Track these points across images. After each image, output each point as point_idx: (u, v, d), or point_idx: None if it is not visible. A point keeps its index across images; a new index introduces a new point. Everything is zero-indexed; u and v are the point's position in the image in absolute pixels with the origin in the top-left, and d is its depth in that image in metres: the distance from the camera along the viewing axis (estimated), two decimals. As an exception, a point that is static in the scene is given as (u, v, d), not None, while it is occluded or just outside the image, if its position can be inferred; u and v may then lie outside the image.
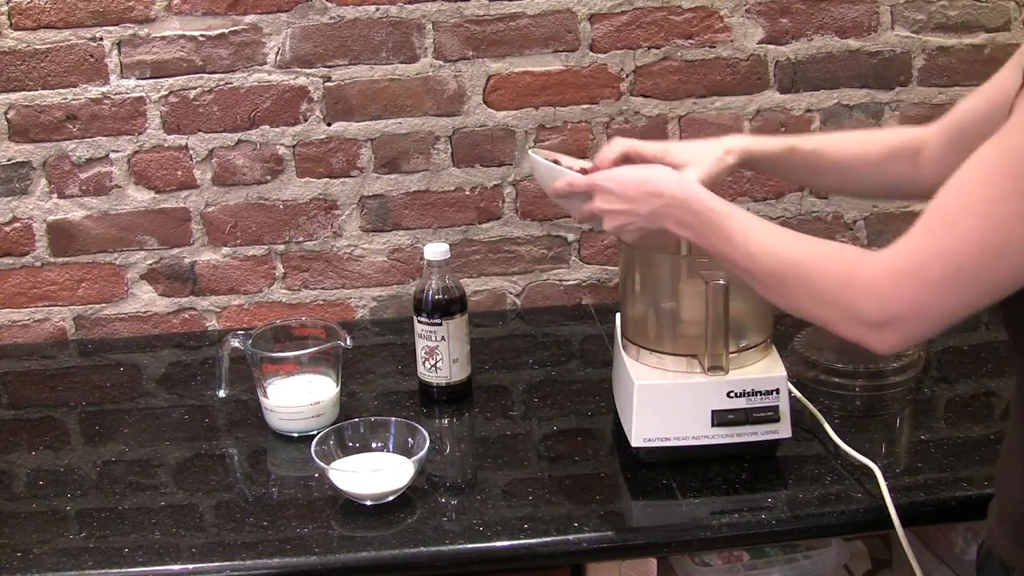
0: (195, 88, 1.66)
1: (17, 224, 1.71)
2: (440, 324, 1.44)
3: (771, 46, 1.73)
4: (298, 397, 1.41)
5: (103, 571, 1.16)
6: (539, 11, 1.67)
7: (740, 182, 1.78)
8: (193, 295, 1.77)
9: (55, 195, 1.69)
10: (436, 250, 1.45)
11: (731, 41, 1.72)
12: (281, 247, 1.76)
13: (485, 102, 1.71)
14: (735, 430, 1.27)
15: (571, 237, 1.80)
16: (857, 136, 1.32)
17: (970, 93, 1.15)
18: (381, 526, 1.21)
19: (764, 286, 1.04)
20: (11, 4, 1.59)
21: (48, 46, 1.62)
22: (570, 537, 1.19)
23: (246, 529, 1.22)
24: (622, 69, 1.72)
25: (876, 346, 0.95)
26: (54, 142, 1.67)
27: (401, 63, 1.68)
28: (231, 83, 1.66)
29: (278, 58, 1.66)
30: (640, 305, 1.37)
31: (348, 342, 1.41)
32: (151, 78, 1.65)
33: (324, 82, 1.68)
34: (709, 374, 1.26)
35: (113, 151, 1.68)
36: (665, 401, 1.27)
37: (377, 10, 1.65)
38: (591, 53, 1.70)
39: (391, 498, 1.25)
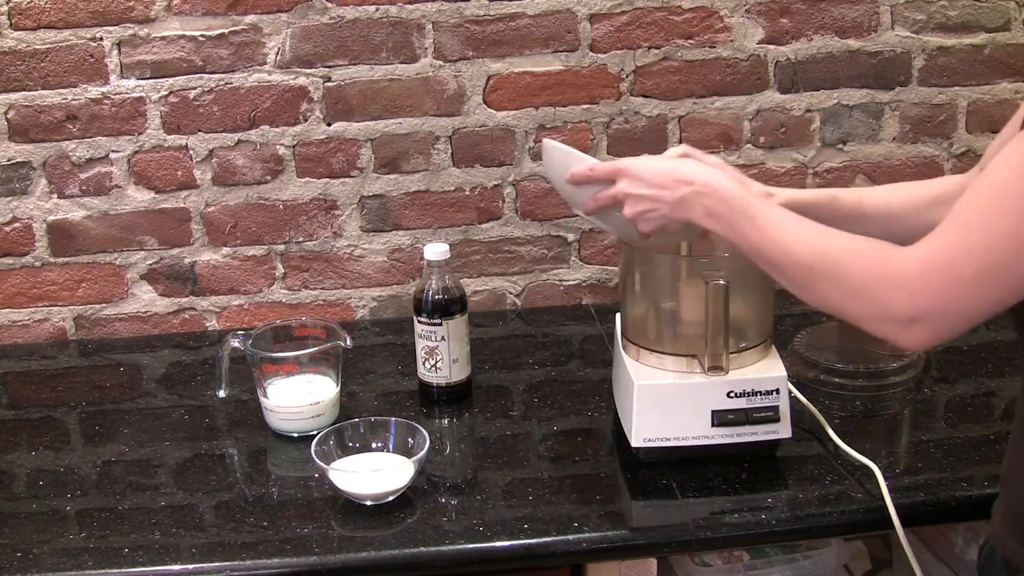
0: (195, 88, 1.66)
1: (17, 224, 1.71)
2: (440, 324, 1.44)
3: (771, 46, 1.73)
4: (298, 397, 1.41)
5: (103, 571, 1.16)
6: (539, 11, 1.67)
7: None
8: (193, 295, 1.77)
9: (55, 195, 1.69)
10: (436, 250, 1.45)
11: (731, 41, 1.72)
12: (281, 247, 1.76)
13: (485, 102, 1.71)
14: (735, 430, 1.27)
15: (571, 237, 1.80)
16: (899, 186, 1.31)
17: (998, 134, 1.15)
18: (381, 526, 1.21)
19: (791, 279, 1.03)
20: (11, 4, 1.59)
21: (48, 46, 1.62)
22: (570, 537, 1.19)
23: (246, 529, 1.22)
24: (622, 69, 1.72)
25: (904, 342, 0.94)
26: (54, 142, 1.67)
27: (401, 63, 1.68)
28: (231, 83, 1.67)
29: (278, 58, 1.66)
30: (640, 305, 1.37)
31: (348, 342, 1.41)
32: (151, 78, 1.65)
33: (324, 82, 1.68)
34: (709, 374, 1.26)
35: (113, 151, 1.68)
36: (665, 401, 1.27)
37: (377, 10, 1.65)
38: (591, 53, 1.70)
39: (391, 498, 1.25)
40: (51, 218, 1.71)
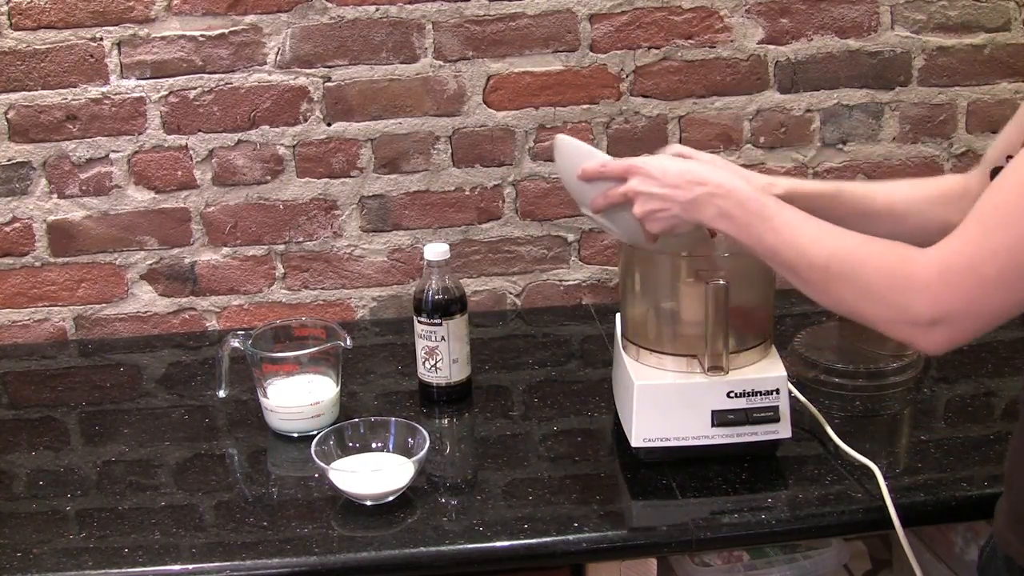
0: (195, 88, 1.66)
1: (17, 224, 1.71)
2: (440, 324, 1.44)
3: (771, 46, 1.73)
4: (298, 397, 1.41)
5: (103, 571, 1.16)
6: (539, 11, 1.67)
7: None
8: (193, 295, 1.77)
9: (55, 195, 1.69)
10: (436, 250, 1.45)
11: (731, 41, 1.72)
12: (281, 247, 1.76)
13: (485, 102, 1.71)
14: (735, 430, 1.27)
15: (571, 237, 1.80)
16: (904, 182, 1.30)
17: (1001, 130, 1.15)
18: (381, 526, 1.21)
19: (806, 281, 1.02)
20: (11, 4, 1.59)
21: (48, 46, 1.62)
22: (570, 537, 1.19)
23: (246, 529, 1.22)
24: (622, 69, 1.72)
25: (924, 345, 0.94)
26: (54, 142, 1.67)
27: (401, 63, 1.68)
28: (231, 83, 1.67)
29: (278, 58, 1.66)
30: (640, 305, 1.37)
31: (348, 342, 1.41)
32: (151, 78, 1.65)
33: (324, 82, 1.68)
34: (709, 374, 1.26)
35: (113, 151, 1.68)
36: (665, 401, 1.27)
37: (377, 10, 1.65)
38: (591, 53, 1.70)
39: (391, 498, 1.25)
40: (51, 218, 1.71)
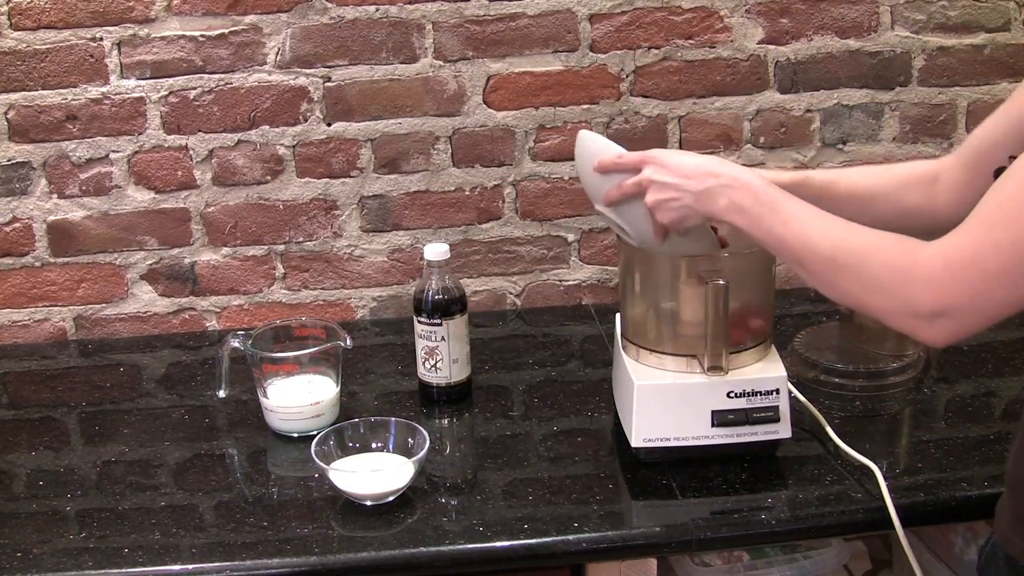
0: (195, 88, 1.66)
1: (17, 224, 1.71)
2: (440, 324, 1.44)
3: (771, 46, 1.73)
4: (298, 397, 1.41)
5: (103, 571, 1.16)
6: (539, 11, 1.67)
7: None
8: (193, 295, 1.77)
9: (55, 195, 1.69)
10: (436, 250, 1.45)
11: (731, 41, 1.72)
12: (281, 247, 1.76)
13: (485, 102, 1.71)
14: (735, 430, 1.27)
15: (571, 237, 1.80)
16: (872, 168, 1.32)
17: (986, 119, 1.15)
18: (381, 526, 1.21)
19: (813, 273, 1.03)
20: (11, 4, 1.59)
21: (48, 46, 1.62)
22: (570, 537, 1.19)
23: (246, 529, 1.22)
24: (622, 69, 1.72)
25: (927, 337, 0.95)
26: (54, 142, 1.67)
27: (401, 63, 1.68)
28: (231, 83, 1.67)
29: (278, 58, 1.66)
30: (640, 305, 1.37)
31: (348, 342, 1.41)
32: (151, 78, 1.65)
33: (324, 82, 1.68)
34: (709, 374, 1.26)
35: (113, 151, 1.68)
36: (665, 401, 1.27)
37: (377, 10, 1.65)
38: (591, 53, 1.70)
39: (391, 498, 1.25)
40: (51, 218, 1.71)
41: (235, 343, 1.42)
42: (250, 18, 1.64)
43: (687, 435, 1.28)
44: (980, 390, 1.48)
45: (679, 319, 1.31)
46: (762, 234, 1.08)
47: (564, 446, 1.39)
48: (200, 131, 1.68)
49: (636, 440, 1.28)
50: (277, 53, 1.66)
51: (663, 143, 1.75)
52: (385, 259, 1.78)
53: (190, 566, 1.16)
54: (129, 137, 1.68)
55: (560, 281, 1.83)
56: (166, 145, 1.69)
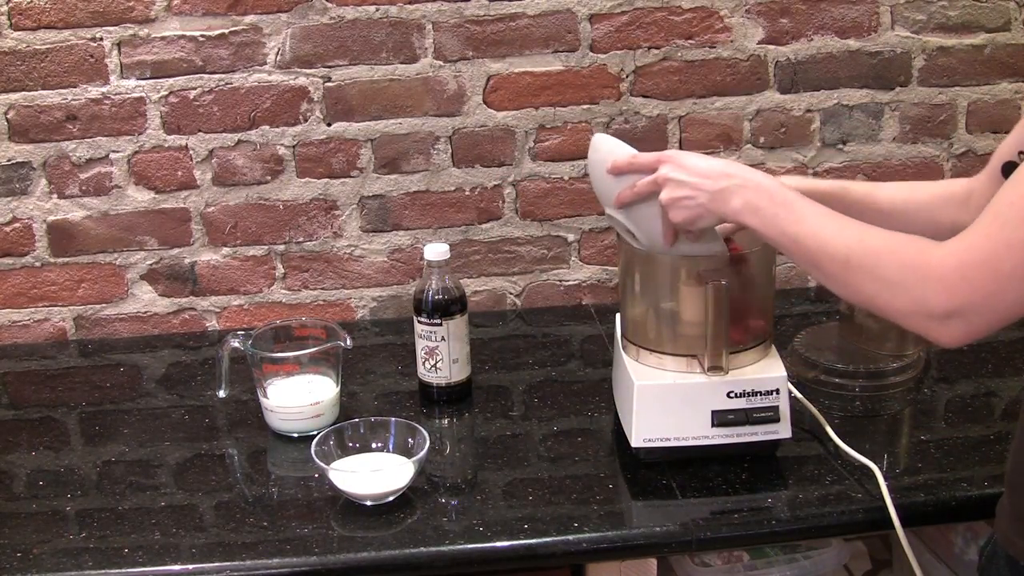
0: (195, 88, 1.66)
1: (17, 224, 1.71)
2: (440, 324, 1.44)
3: (771, 46, 1.73)
4: (298, 397, 1.41)
5: (103, 571, 1.16)
6: (539, 11, 1.67)
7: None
8: (193, 295, 1.77)
9: (55, 195, 1.69)
10: (436, 250, 1.45)
11: (731, 41, 1.72)
12: (281, 247, 1.76)
13: (485, 102, 1.71)
14: (735, 430, 1.27)
15: (571, 237, 1.80)
16: (907, 183, 1.32)
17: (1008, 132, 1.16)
18: (381, 526, 1.21)
19: (827, 272, 1.04)
20: (11, 4, 1.59)
21: (48, 46, 1.62)
22: (570, 537, 1.19)
23: (246, 529, 1.22)
24: (622, 69, 1.72)
25: (940, 337, 0.95)
26: (54, 142, 1.67)
27: (401, 63, 1.68)
28: (231, 83, 1.67)
29: (278, 58, 1.66)
30: (640, 305, 1.37)
31: (348, 342, 1.41)
32: (151, 78, 1.65)
33: (324, 82, 1.68)
34: (709, 374, 1.26)
35: (113, 151, 1.68)
36: (665, 401, 1.27)
37: (377, 10, 1.65)
38: (591, 53, 1.70)
39: (391, 498, 1.25)
40: (51, 218, 1.71)
41: (235, 343, 1.42)
42: (250, 18, 1.64)
43: (687, 435, 1.28)
44: (980, 390, 1.48)
45: (679, 319, 1.31)
46: (776, 234, 1.08)
47: (564, 446, 1.39)
48: (200, 131, 1.68)
49: (636, 440, 1.28)
50: (277, 53, 1.66)
51: (663, 143, 1.75)
52: (385, 259, 1.78)
53: (190, 566, 1.16)
54: (129, 137, 1.68)
55: (560, 281, 1.83)
56: (166, 145, 1.69)
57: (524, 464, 1.35)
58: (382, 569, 1.17)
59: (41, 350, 1.74)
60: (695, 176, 1.14)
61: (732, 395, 1.26)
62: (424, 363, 1.48)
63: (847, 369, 1.48)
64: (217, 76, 1.66)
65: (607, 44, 1.70)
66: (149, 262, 1.74)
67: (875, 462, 1.25)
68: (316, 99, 1.68)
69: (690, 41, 1.71)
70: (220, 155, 1.70)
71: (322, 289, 1.79)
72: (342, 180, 1.73)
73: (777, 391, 1.27)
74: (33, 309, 1.76)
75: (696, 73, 1.73)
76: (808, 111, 1.77)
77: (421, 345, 1.47)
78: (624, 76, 1.72)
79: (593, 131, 1.74)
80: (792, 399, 1.33)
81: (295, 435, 1.41)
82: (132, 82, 1.65)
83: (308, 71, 1.67)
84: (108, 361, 1.70)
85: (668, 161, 1.17)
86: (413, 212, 1.76)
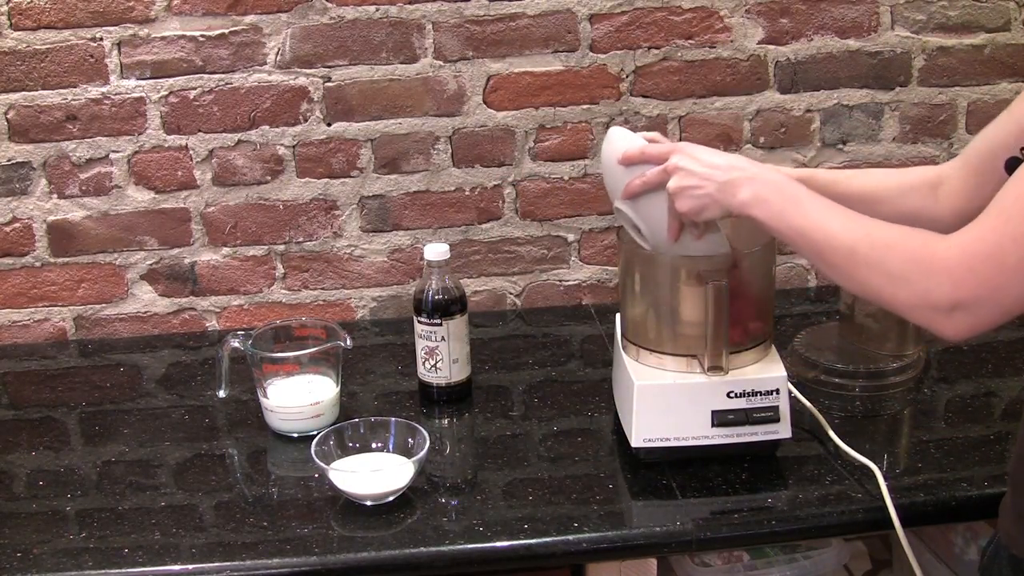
0: (195, 88, 1.66)
1: (17, 224, 1.71)
2: (440, 324, 1.44)
3: (771, 46, 1.73)
4: (298, 397, 1.41)
5: (103, 571, 1.16)
6: (539, 11, 1.67)
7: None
8: (193, 295, 1.77)
9: (55, 195, 1.69)
10: (436, 250, 1.45)
11: (731, 41, 1.72)
12: (281, 247, 1.76)
13: (485, 102, 1.71)
14: (735, 430, 1.27)
15: (571, 237, 1.80)
16: (875, 170, 1.33)
17: (988, 123, 1.16)
18: (381, 526, 1.21)
19: (832, 264, 1.04)
20: (11, 4, 1.59)
21: (48, 46, 1.62)
22: (570, 537, 1.19)
23: (246, 529, 1.22)
24: (622, 69, 1.72)
25: (944, 330, 0.95)
26: (54, 142, 1.67)
27: (401, 63, 1.68)
28: (231, 83, 1.67)
29: (278, 58, 1.66)
30: (640, 305, 1.37)
31: (348, 342, 1.41)
32: (151, 78, 1.65)
33: (324, 82, 1.68)
34: (709, 374, 1.26)
35: (113, 151, 1.68)
36: (665, 401, 1.27)
37: (377, 10, 1.65)
38: (591, 53, 1.70)
39: (391, 498, 1.25)
40: (51, 218, 1.71)
41: (235, 343, 1.42)
42: (250, 18, 1.64)
43: (687, 435, 1.28)
44: (980, 390, 1.48)
45: (679, 319, 1.31)
46: (783, 227, 1.09)
47: (564, 446, 1.39)
48: (200, 131, 1.68)
49: (636, 440, 1.28)
50: (277, 53, 1.66)
51: (663, 143, 1.75)
52: (385, 259, 1.78)
53: (190, 566, 1.16)
54: (129, 137, 1.68)
55: (560, 281, 1.83)
56: (166, 145, 1.69)
57: (524, 464, 1.35)
58: (382, 569, 1.17)
59: (41, 350, 1.74)
60: (705, 167, 1.15)
61: (732, 395, 1.26)
62: (424, 363, 1.48)
63: (847, 369, 1.48)
64: (217, 76, 1.66)
65: (607, 44, 1.70)
66: (149, 262, 1.74)
67: (875, 462, 1.25)
68: (316, 99, 1.68)
69: (690, 41, 1.71)
70: (220, 155, 1.70)
71: (322, 289, 1.79)
72: (342, 180, 1.73)
73: (777, 391, 1.27)
74: (33, 309, 1.75)
75: (696, 73, 1.73)
76: (808, 111, 1.77)
77: (421, 345, 1.47)
78: (624, 76, 1.72)
79: (593, 131, 1.74)
80: (792, 399, 1.33)
81: (295, 435, 1.41)
82: (132, 82, 1.65)
83: (308, 71, 1.67)
84: (108, 361, 1.70)
85: (680, 151, 1.18)
86: (413, 212, 1.76)
